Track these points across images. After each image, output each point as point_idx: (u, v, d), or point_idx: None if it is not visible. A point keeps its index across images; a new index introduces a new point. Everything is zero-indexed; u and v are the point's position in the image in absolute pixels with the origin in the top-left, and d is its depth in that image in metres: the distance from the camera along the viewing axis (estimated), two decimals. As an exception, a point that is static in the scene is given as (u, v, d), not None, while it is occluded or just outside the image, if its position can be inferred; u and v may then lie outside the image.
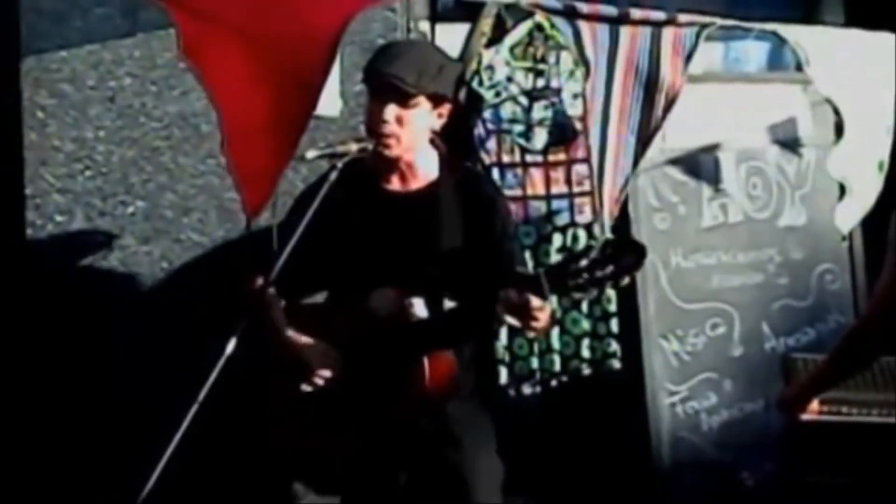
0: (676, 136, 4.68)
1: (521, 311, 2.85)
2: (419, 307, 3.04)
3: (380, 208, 3.18)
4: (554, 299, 3.23)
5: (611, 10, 4.49)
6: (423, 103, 3.11)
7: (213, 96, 3.54)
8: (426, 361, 2.98)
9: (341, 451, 3.12)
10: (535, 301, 2.82)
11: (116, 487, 4.03)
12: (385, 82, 3.08)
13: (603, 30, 4.43)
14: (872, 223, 4.98)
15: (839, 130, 4.83)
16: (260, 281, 3.07)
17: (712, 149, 4.83)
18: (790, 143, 5.00)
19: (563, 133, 4.61)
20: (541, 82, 4.59)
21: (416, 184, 3.20)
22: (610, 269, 2.77)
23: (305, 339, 3.15)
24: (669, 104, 4.46)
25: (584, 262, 2.79)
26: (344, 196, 3.12)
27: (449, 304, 3.07)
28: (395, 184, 3.19)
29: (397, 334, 3.02)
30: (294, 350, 3.14)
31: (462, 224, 3.15)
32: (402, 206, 3.18)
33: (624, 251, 2.78)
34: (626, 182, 4.52)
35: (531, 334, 3.10)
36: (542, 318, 2.89)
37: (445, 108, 3.17)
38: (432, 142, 3.22)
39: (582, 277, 2.78)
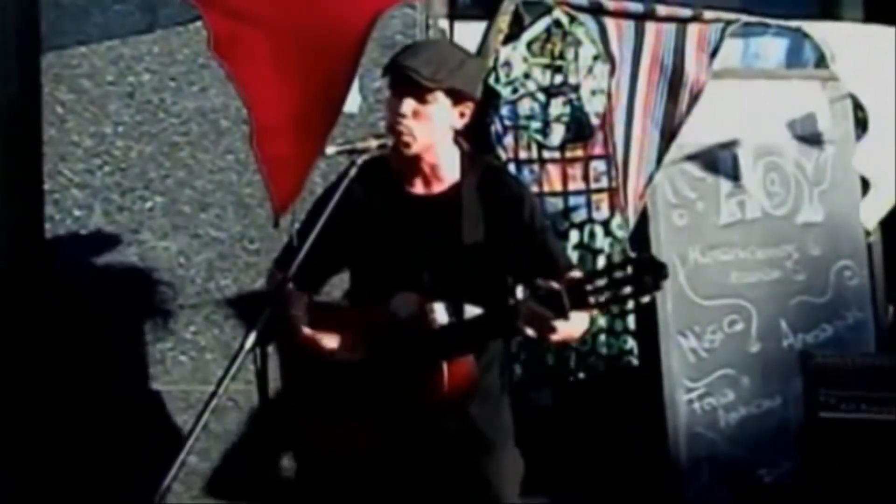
0: (694, 132, 4.67)
1: (539, 324, 2.85)
2: (440, 313, 3.02)
3: (403, 211, 3.14)
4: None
5: (637, 7, 4.49)
6: (441, 99, 3.06)
7: (242, 93, 3.54)
8: (445, 366, 2.97)
9: (361, 451, 3.12)
10: (555, 316, 2.81)
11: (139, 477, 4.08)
12: (402, 75, 3.06)
13: (628, 26, 4.42)
14: (892, 221, 4.97)
15: (864, 126, 4.82)
16: (280, 277, 3.06)
17: (730, 145, 4.81)
18: (808, 140, 4.98)
19: (581, 129, 4.60)
20: (558, 79, 4.59)
21: (440, 186, 3.15)
22: (630, 287, 2.75)
23: (324, 335, 3.14)
24: (694, 100, 4.47)
25: (604, 280, 2.77)
26: (368, 197, 3.10)
27: (470, 310, 3.06)
28: (418, 186, 3.15)
29: (417, 339, 3.01)
30: (313, 344, 3.14)
31: (486, 224, 3.11)
32: (426, 210, 3.13)
33: (645, 270, 2.76)
34: (650, 177, 4.52)
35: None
36: (560, 332, 2.88)
37: (468, 108, 3.11)
38: (456, 142, 3.18)
39: (602, 295, 2.76)
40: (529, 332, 2.86)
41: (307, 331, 3.13)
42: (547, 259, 3.03)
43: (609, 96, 4.50)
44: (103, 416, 4.28)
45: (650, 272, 2.74)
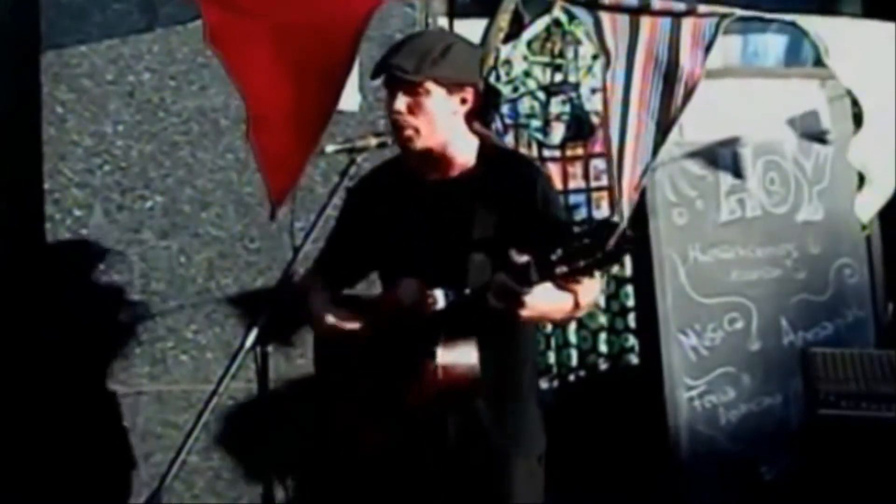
0: (694, 130, 4.67)
1: (508, 298, 2.82)
2: (440, 298, 3.01)
3: (419, 198, 3.13)
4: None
5: (632, 1, 4.49)
6: (433, 90, 3.02)
7: (238, 84, 3.55)
8: (439, 356, 2.95)
9: (368, 442, 3.12)
10: (521, 288, 2.78)
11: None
12: (389, 73, 3.06)
13: (623, 20, 4.42)
14: (891, 218, 4.97)
15: (858, 120, 4.82)
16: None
17: (730, 143, 4.82)
18: (808, 138, 4.98)
19: (581, 128, 4.61)
20: (558, 77, 4.60)
21: (454, 172, 3.15)
22: (597, 256, 2.71)
23: (350, 318, 3.14)
24: (688, 94, 4.46)
25: (571, 250, 2.74)
26: (387, 196, 3.11)
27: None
28: (433, 175, 3.14)
29: (415, 326, 3.00)
30: (340, 329, 3.13)
31: (499, 205, 3.06)
32: (439, 194, 3.10)
33: (608, 237, 2.72)
34: (645, 170, 4.51)
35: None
36: (530, 307, 2.85)
37: (468, 93, 3.06)
38: (472, 129, 3.15)
39: (569, 265, 2.73)
40: (499, 306, 2.83)
41: (330, 319, 3.13)
42: (557, 236, 2.97)
43: (604, 89, 4.50)
44: (103, 415, 4.28)
45: (615, 240, 2.70)
